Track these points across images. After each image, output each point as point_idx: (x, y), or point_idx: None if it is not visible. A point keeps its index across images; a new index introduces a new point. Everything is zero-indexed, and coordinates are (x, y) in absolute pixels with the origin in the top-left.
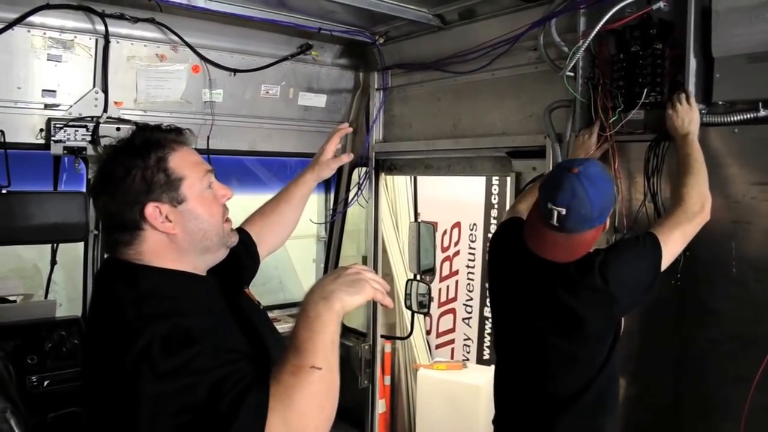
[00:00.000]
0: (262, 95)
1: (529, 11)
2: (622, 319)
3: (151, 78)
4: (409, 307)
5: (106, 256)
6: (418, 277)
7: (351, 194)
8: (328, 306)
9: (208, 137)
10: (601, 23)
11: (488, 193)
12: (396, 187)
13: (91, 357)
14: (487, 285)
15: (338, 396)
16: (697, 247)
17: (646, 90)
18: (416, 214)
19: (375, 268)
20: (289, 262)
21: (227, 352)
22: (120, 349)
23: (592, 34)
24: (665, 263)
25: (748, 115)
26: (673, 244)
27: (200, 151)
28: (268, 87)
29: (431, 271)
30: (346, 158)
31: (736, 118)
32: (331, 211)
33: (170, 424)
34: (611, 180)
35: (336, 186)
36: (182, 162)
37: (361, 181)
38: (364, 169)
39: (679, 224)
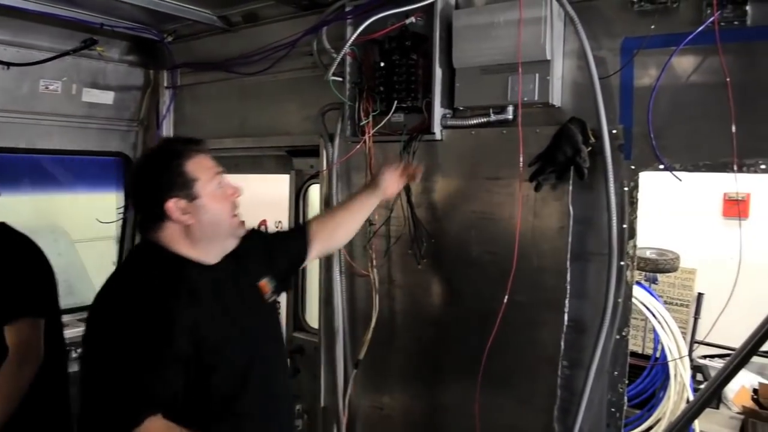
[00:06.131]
0: (41, 90)
1: (307, 18)
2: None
3: None
4: None
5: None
6: None
7: None
8: None
9: None
10: (357, 33)
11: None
12: None
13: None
14: None
15: None
16: (443, 235)
17: (402, 95)
18: None
19: None
20: (81, 265)
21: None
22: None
23: (349, 43)
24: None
25: (482, 119)
26: None
27: None
28: (47, 82)
29: None
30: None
31: (473, 122)
32: (121, 209)
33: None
34: None
35: (125, 184)
36: (196, 167)
37: None
38: None
39: None
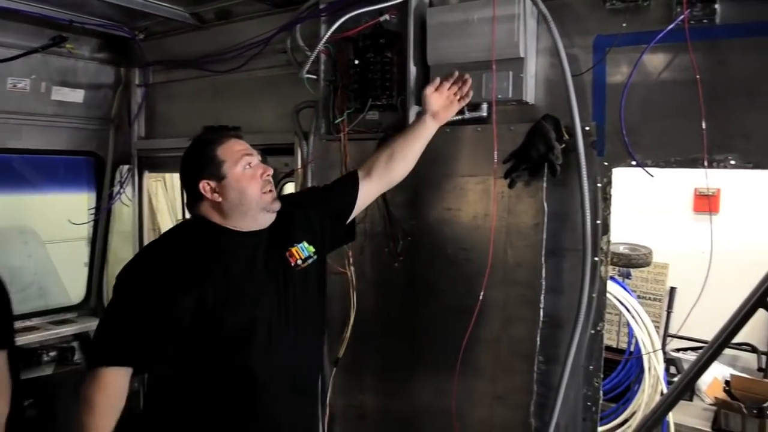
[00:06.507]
0: (8, 89)
1: (281, 15)
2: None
3: None
4: None
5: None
6: None
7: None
8: None
9: None
10: (330, 30)
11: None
12: (175, 185)
13: None
14: None
15: None
16: (419, 232)
17: (376, 93)
18: (183, 212)
19: None
20: (52, 267)
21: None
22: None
23: (323, 40)
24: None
25: (457, 117)
26: None
27: None
28: (15, 80)
29: None
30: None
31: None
32: (93, 210)
33: None
34: None
35: (97, 184)
36: (225, 150)
37: (123, 179)
38: (126, 166)
39: None
